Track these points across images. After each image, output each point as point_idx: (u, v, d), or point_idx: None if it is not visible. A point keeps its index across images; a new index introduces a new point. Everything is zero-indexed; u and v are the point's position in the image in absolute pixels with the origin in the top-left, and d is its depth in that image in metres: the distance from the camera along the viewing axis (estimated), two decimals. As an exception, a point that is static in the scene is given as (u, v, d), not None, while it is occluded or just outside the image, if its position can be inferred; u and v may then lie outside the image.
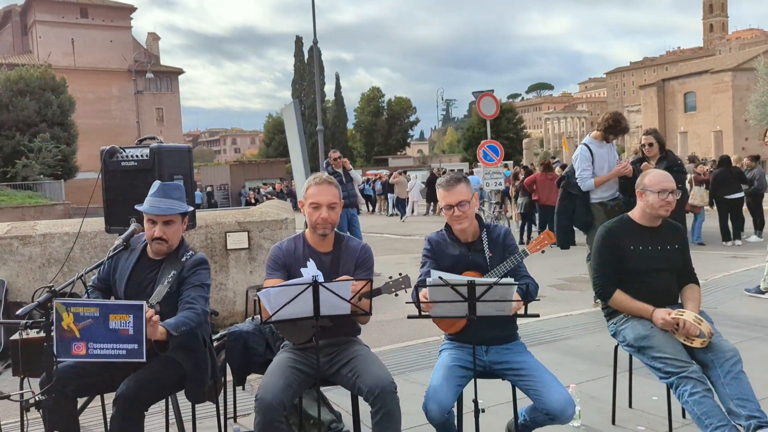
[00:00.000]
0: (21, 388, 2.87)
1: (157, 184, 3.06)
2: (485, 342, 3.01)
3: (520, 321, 3.09)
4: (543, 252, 3.07)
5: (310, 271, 2.94)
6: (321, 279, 2.67)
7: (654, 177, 3.36)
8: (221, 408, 3.53)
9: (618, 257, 3.32)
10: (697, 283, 3.41)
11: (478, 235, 3.11)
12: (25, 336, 3.39)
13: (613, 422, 3.60)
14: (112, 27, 55.66)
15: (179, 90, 60.15)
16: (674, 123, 57.68)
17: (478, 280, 2.62)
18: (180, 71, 60.91)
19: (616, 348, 3.54)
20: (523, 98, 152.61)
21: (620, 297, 3.31)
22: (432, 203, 24.07)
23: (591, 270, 5.50)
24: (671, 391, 3.03)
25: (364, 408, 3.03)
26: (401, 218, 22.36)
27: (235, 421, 3.84)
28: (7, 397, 2.42)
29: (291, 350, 3.03)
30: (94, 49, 53.67)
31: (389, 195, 25.50)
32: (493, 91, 14.88)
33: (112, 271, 3.16)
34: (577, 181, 6.05)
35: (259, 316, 3.96)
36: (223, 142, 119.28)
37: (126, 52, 55.57)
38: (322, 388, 3.26)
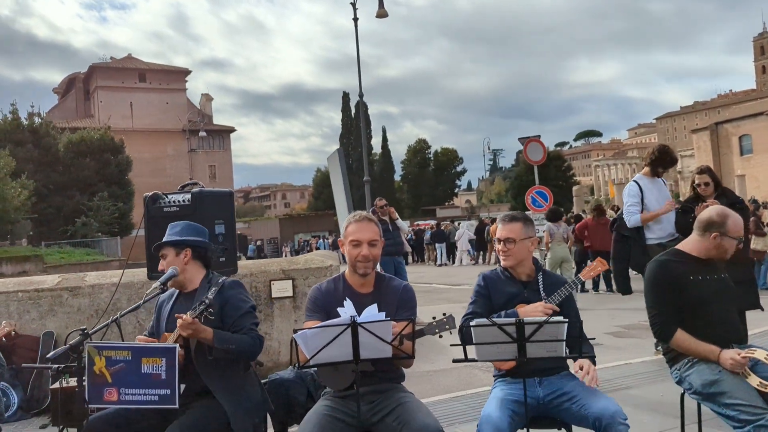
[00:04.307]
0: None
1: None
2: (537, 374, 2.85)
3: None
4: (597, 292, 2.91)
5: (348, 310, 2.82)
6: (360, 319, 2.54)
7: (737, 223, 3.12)
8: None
9: (676, 290, 3.08)
10: None
11: (534, 276, 3.05)
12: (65, 384, 3.37)
13: (684, 478, 3.27)
14: (168, 90, 58.46)
15: (231, 147, 62.18)
16: (730, 167, 55.87)
17: (527, 318, 2.45)
18: (232, 129, 63.12)
19: (682, 396, 3.25)
20: (571, 146, 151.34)
21: (682, 337, 3.05)
22: (481, 252, 23.72)
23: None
24: (747, 442, 2.72)
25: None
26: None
27: (275, 474, 3.67)
28: (38, 445, 2.34)
29: (331, 398, 2.89)
30: (150, 111, 56.34)
31: (437, 245, 25.31)
32: (539, 136, 14.71)
33: (156, 322, 3.14)
34: (624, 216, 5.83)
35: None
36: (274, 197, 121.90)
37: (180, 112, 58.08)
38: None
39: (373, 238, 2.90)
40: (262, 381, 3.69)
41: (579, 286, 3.01)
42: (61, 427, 3.30)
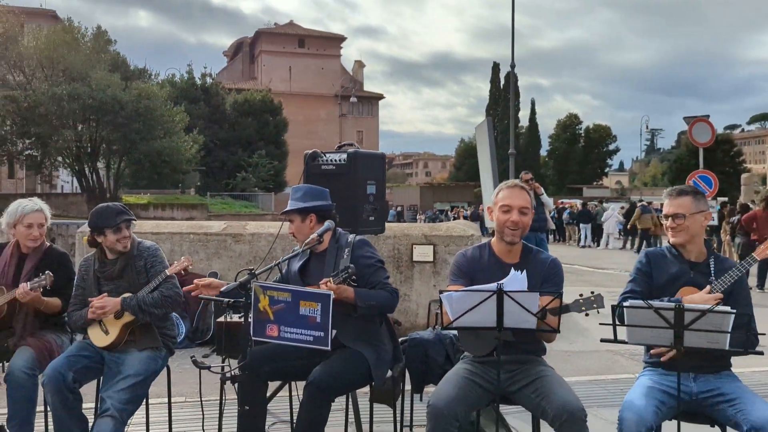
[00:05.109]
0: (222, 366, 3.09)
1: None
2: (693, 370, 2.66)
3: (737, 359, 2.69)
4: (762, 290, 2.65)
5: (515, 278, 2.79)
6: (505, 285, 2.53)
7: None
8: (398, 414, 3.52)
9: None
10: None
11: (705, 258, 2.81)
12: (228, 319, 3.73)
13: None
14: (324, 56, 60.79)
15: (379, 114, 63.59)
16: None
17: (689, 305, 2.30)
18: (381, 96, 64.50)
19: None
20: (743, 130, 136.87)
21: None
22: (630, 237, 22.40)
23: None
24: None
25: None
26: None
27: (410, 429, 3.81)
28: (208, 368, 2.63)
29: (470, 362, 2.93)
30: (307, 76, 59.01)
31: (582, 225, 24.29)
32: (708, 116, 13.49)
33: (286, 274, 3.31)
34: None
35: (439, 327, 3.94)
36: (416, 166, 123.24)
37: (334, 78, 60.25)
38: (500, 408, 3.11)
39: (524, 205, 2.86)
40: (402, 339, 3.83)
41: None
42: (224, 356, 3.67)
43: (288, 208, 3.22)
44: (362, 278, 3.04)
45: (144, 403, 3.40)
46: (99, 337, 3.25)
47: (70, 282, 3.54)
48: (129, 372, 3.09)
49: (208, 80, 41.88)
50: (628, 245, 22.28)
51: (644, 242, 19.70)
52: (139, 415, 3.51)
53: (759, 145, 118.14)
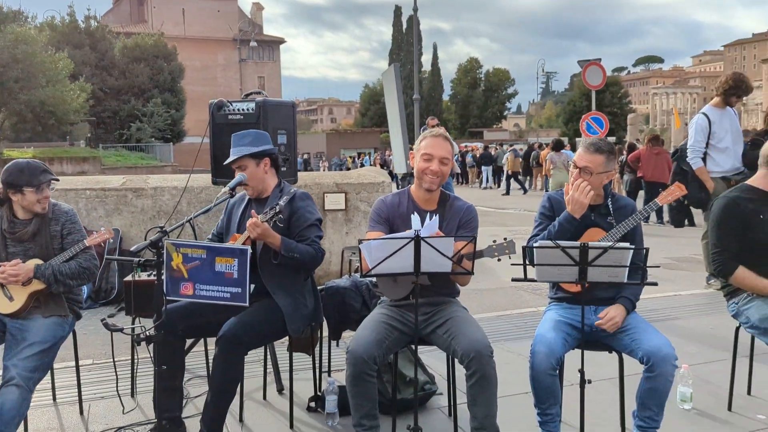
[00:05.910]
0: (133, 328, 2.99)
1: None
2: (596, 302, 2.88)
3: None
4: (647, 222, 2.85)
5: (415, 223, 2.87)
6: (422, 232, 2.58)
7: None
8: (317, 361, 3.57)
9: (743, 229, 3.03)
10: None
11: (603, 201, 2.97)
12: (137, 278, 3.58)
13: (729, 408, 3.32)
14: (220, -3, 57.55)
15: (280, 59, 61.64)
16: (801, 101, 52.66)
17: (592, 243, 2.45)
18: (282, 41, 62.38)
19: (737, 330, 3.26)
20: (629, 72, 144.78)
21: (744, 274, 3.03)
22: (528, 177, 23.39)
23: (705, 248, 5.11)
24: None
25: (459, 374, 2.96)
26: None
27: (329, 375, 3.89)
28: (121, 330, 2.53)
29: (387, 306, 3.00)
30: (202, 19, 55.83)
31: (483, 167, 25.07)
32: (600, 60, 14.12)
33: (226, 223, 3.26)
34: (688, 152, 5.68)
35: (356, 274, 3.98)
36: (320, 112, 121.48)
37: (231, 21, 57.44)
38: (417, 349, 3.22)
39: (445, 156, 2.92)
40: (319, 288, 3.85)
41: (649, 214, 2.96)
42: (134, 316, 3.54)
43: (241, 154, 3.09)
44: (294, 229, 3.02)
45: (49, 369, 3.24)
46: (1, 304, 3.03)
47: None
48: (35, 339, 2.92)
49: (93, 23, 38.73)
50: (528, 185, 23.28)
51: (509, 184, 21.60)
52: (44, 381, 3.36)
53: (644, 86, 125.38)
